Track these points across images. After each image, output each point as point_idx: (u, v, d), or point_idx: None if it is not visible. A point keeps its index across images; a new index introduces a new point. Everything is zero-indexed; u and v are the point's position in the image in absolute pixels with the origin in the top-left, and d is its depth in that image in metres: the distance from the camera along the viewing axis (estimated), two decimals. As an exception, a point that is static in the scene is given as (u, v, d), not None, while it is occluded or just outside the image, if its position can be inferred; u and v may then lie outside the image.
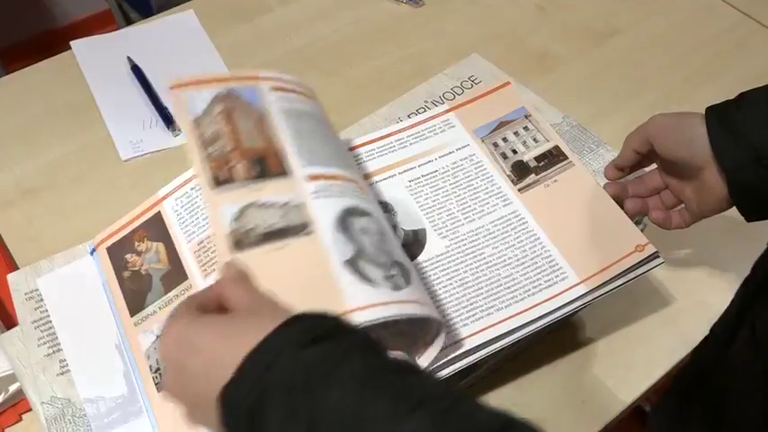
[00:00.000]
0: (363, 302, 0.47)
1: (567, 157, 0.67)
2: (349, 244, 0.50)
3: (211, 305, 0.43)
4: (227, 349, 0.37)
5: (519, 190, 0.65)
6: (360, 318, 0.46)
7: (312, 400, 0.34)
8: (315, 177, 0.53)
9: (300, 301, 0.43)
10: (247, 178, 0.51)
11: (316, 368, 0.35)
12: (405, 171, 0.66)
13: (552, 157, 0.67)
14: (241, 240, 0.49)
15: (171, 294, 0.57)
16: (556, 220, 0.63)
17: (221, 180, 0.51)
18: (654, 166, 0.64)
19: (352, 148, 0.67)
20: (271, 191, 0.51)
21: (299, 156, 0.53)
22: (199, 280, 0.57)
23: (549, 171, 0.66)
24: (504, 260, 0.60)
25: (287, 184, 0.52)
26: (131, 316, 0.58)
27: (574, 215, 0.63)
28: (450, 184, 0.65)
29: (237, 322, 0.40)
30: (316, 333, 0.37)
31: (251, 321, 0.39)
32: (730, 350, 0.55)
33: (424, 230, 0.62)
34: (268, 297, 0.43)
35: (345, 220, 0.51)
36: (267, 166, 0.52)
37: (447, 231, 0.62)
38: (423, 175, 0.65)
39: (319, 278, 0.48)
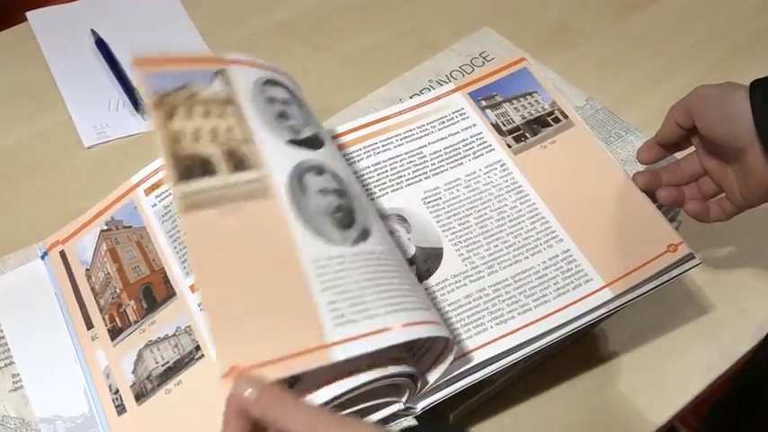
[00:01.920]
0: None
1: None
2: None
3: None
4: None
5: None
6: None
7: None
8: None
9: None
10: (138, 318, 0.57)
11: None
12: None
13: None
14: (141, 391, 0.54)
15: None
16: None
17: (118, 329, 0.57)
18: (692, 148, 0.63)
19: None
20: (162, 321, 0.56)
21: (181, 264, 0.57)
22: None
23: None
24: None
25: (175, 306, 0.56)
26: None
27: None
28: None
29: None
30: None
31: None
32: None
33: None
34: None
35: None
36: (155, 294, 0.57)
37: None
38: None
39: (217, 405, 0.50)
